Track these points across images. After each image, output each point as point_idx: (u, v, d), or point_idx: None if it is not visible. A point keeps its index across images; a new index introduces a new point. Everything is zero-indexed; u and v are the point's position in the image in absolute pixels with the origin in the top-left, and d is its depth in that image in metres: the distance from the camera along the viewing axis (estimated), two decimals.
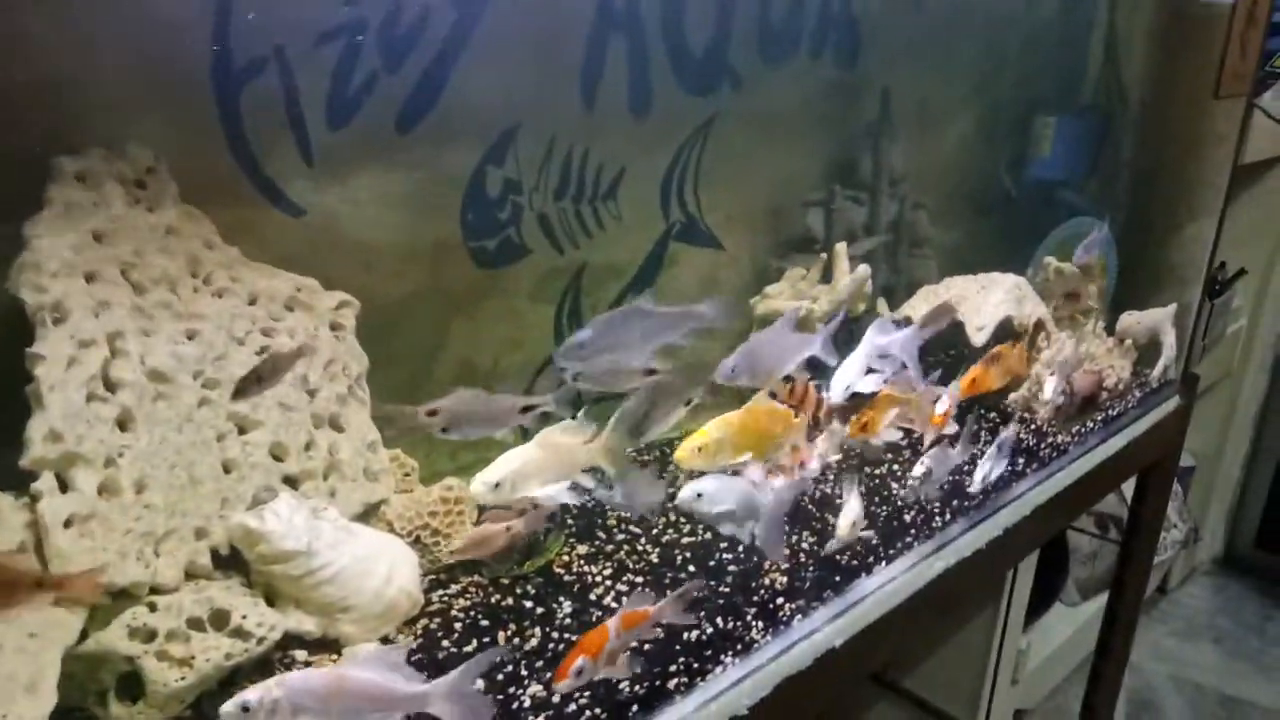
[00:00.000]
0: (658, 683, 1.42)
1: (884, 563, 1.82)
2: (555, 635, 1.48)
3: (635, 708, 1.39)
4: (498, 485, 1.47)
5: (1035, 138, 2.90)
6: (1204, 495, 4.80)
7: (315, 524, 1.42)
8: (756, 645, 1.57)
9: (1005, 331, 2.22)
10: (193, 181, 1.48)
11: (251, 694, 1.06)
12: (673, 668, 1.45)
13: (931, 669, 3.52)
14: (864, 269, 2.12)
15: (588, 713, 1.34)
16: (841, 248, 2.14)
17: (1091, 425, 2.41)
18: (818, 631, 1.65)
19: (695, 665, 1.48)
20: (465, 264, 1.81)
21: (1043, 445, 2.28)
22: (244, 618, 1.34)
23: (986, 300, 2.25)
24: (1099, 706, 3.16)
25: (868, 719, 3.55)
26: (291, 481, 1.49)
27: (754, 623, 1.60)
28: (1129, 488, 2.97)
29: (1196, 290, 2.93)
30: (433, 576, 1.59)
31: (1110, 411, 2.50)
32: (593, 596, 1.58)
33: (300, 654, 1.41)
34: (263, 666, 1.39)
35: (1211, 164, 2.94)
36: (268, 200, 1.58)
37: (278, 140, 1.56)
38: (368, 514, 1.57)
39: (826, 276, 2.17)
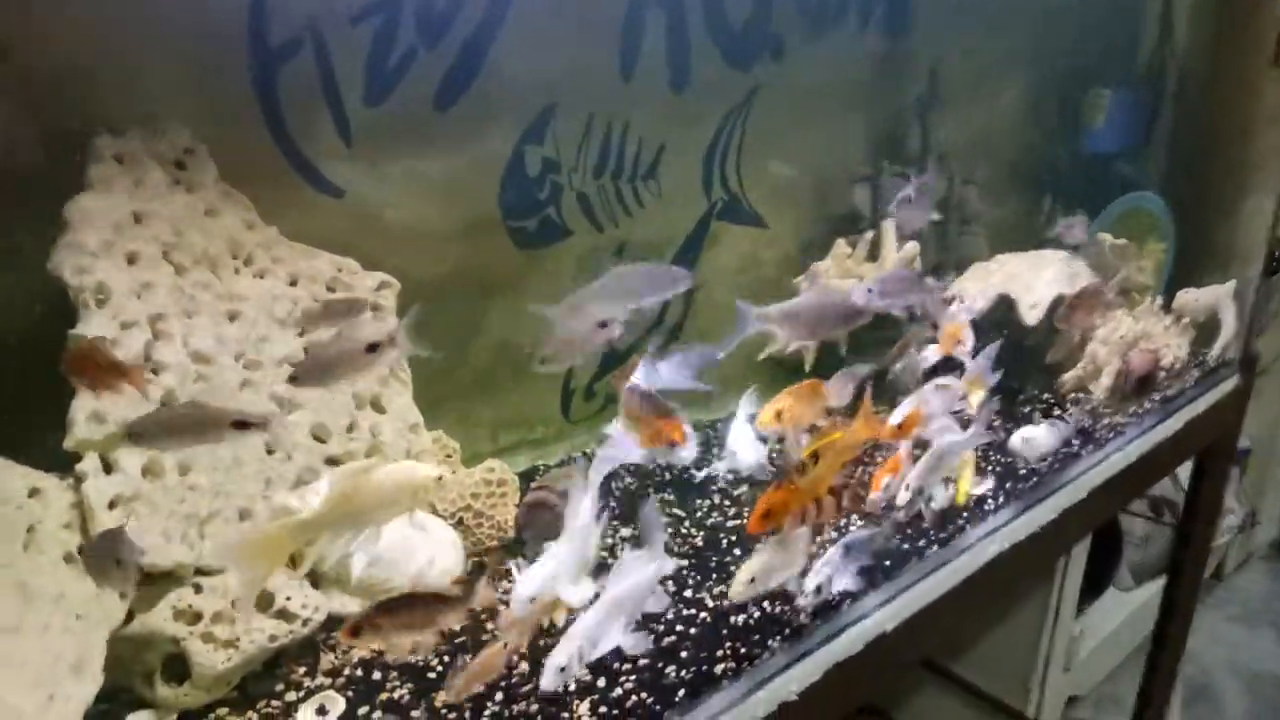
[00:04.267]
0: (705, 668, 1.39)
1: (936, 546, 1.78)
2: None
3: (682, 693, 1.36)
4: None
5: (1088, 110, 2.81)
6: (1260, 479, 4.66)
7: None
8: (805, 630, 1.53)
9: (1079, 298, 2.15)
10: (231, 163, 1.46)
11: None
12: (720, 652, 1.42)
13: (982, 654, 3.45)
14: (912, 246, 2.07)
15: (634, 698, 1.31)
16: (889, 224, 2.09)
17: (1148, 406, 2.33)
18: (868, 616, 1.60)
19: (743, 650, 1.45)
20: (505, 244, 1.79)
21: (1098, 426, 2.21)
22: (288, 599, 1.33)
23: (1039, 277, 2.18)
24: (1155, 695, 3.07)
25: (917, 704, 3.50)
26: (334, 463, 1.48)
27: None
28: (1185, 470, 2.89)
29: (1257, 267, 2.82)
30: (475, 559, 1.57)
31: (1167, 392, 2.42)
32: None
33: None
34: (309, 647, 1.38)
35: (1271, 135, 2.84)
36: (306, 181, 1.56)
37: (315, 119, 1.54)
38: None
39: (874, 254, 2.12)
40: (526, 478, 1.75)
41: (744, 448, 1.69)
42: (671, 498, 1.82)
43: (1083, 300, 1.96)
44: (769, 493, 1.36)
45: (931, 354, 1.85)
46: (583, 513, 1.31)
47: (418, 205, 1.67)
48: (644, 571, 1.28)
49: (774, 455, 1.78)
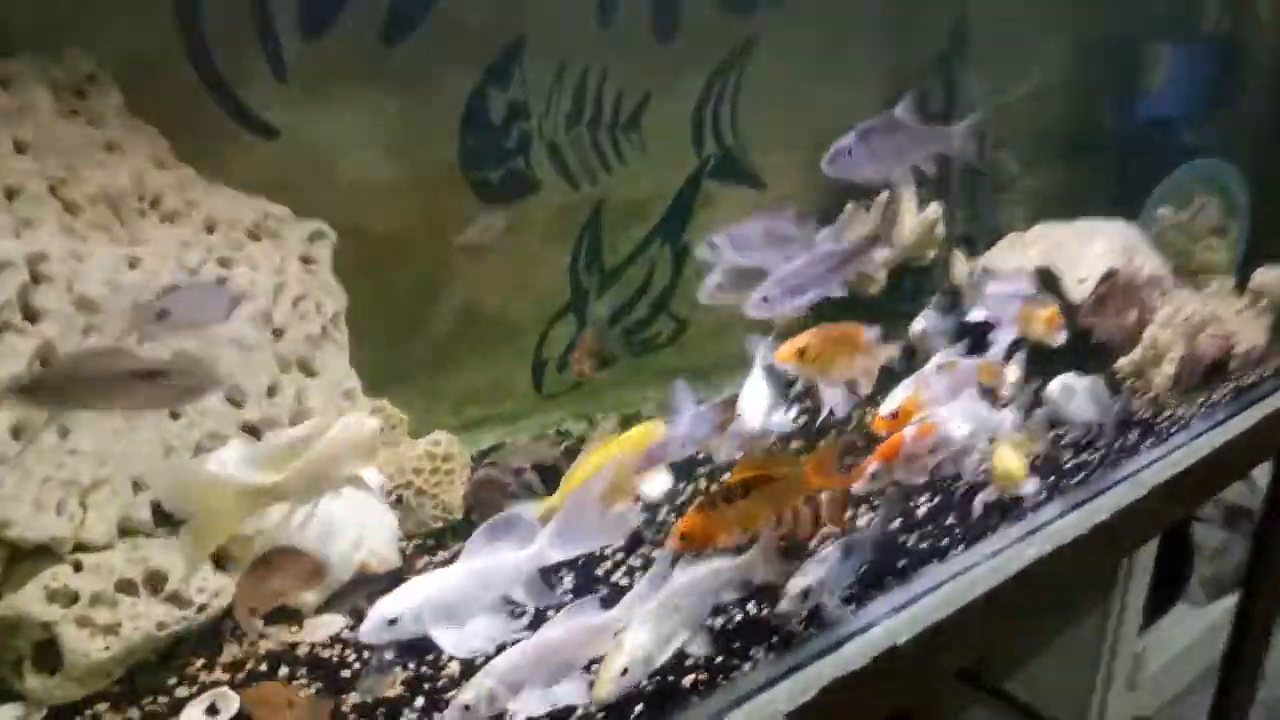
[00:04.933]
0: (670, 678, 1.18)
1: (961, 546, 1.54)
2: None
3: (640, 707, 1.15)
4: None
5: (1144, 68, 2.50)
6: None
7: None
8: (797, 639, 1.31)
9: (1111, 286, 1.90)
10: (145, 94, 1.30)
11: (466, 694, 0.99)
12: (688, 662, 1.21)
13: (1036, 670, 3.19)
14: (934, 209, 1.82)
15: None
16: (907, 186, 1.84)
17: (1220, 397, 2.06)
18: (875, 625, 1.37)
19: (719, 660, 1.23)
20: (465, 197, 1.60)
21: (1160, 418, 1.95)
22: (183, 581, 1.16)
23: (1088, 249, 1.93)
24: None
25: None
26: (252, 431, 1.31)
27: None
28: (1263, 474, 2.59)
29: None
30: (417, 540, 1.39)
31: (1242, 381, 2.14)
32: None
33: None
34: (212, 638, 1.21)
35: None
36: (234, 119, 1.40)
37: (246, 50, 1.38)
38: None
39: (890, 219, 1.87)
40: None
41: (752, 408, 1.45)
42: None
43: (1113, 294, 1.70)
44: (690, 513, 1.16)
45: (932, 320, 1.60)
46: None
47: (364, 151, 1.49)
48: (588, 620, 1.08)
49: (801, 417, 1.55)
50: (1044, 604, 1.72)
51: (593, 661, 1.09)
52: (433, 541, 1.42)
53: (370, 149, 1.48)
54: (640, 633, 1.09)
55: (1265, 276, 2.24)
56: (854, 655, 1.33)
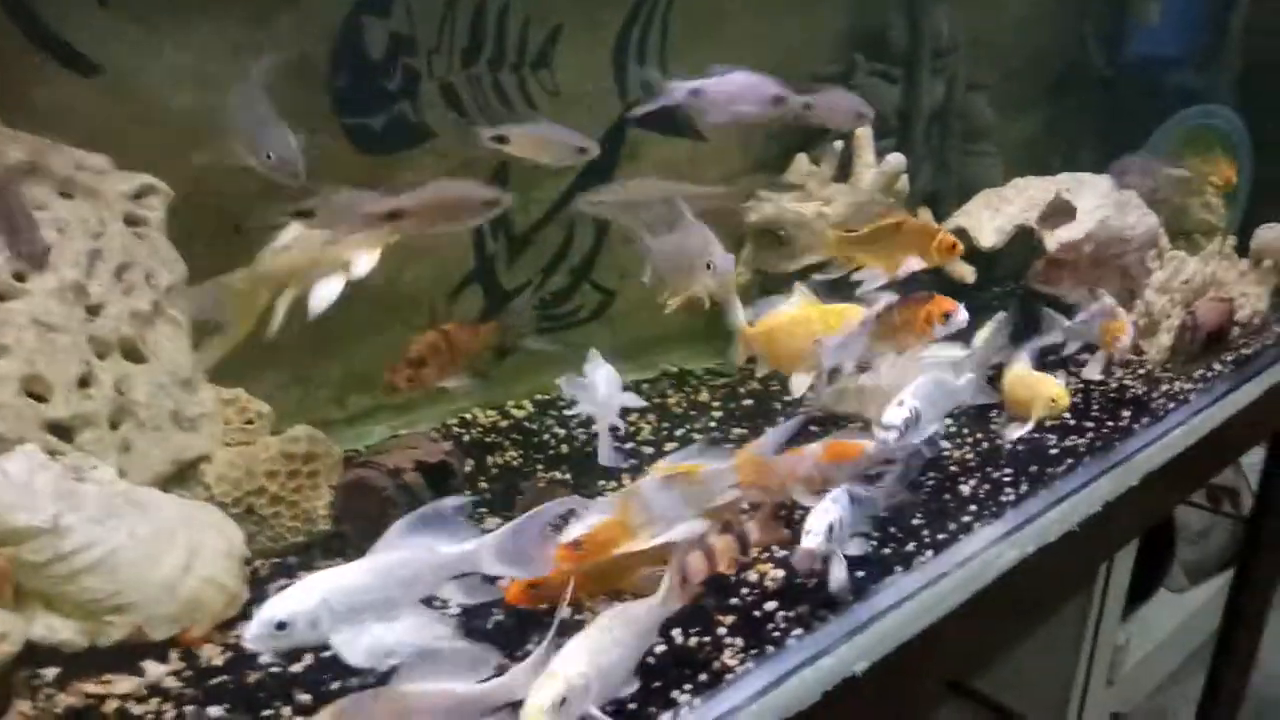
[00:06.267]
0: None
1: (930, 552, 1.31)
2: None
3: None
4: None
5: (1138, 2, 2.26)
6: None
7: (72, 489, 1.01)
8: (730, 676, 1.08)
9: (1100, 243, 1.67)
10: None
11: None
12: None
13: (1011, 667, 3.01)
14: (896, 159, 1.58)
15: None
16: (865, 133, 1.60)
17: (1219, 368, 1.85)
18: (826, 654, 1.14)
19: (633, 704, 1.00)
20: (340, 147, 1.35)
21: (1154, 394, 1.73)
22: None
23: (1076, 205, 1.70)
24: (1217, 716, 2.60)
25: None
26: (60, 431, 1.05)
27: (729, 640, 1.11)
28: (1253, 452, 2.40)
29: None
30: (277, 560, 1.15)
31: (1243, 352, 1.94)
32: None
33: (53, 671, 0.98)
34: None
35: None
36: (44, 52, 1.15)
37: None
38: (181, 475, 1.13)
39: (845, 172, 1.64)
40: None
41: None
42: None
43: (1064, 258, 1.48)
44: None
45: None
46: None
47: (210, 92, 1.23)
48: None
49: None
50: (1026, 611, 1.50)
51: None
52: (294, 559, 1.17)
53: (216, 90, 1.21)
54: (579, 654, 0.89)
55: (1268, 235, 2.04)
56: (802, 690, 1.10)
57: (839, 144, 1.63)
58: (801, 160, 1.64)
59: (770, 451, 1.21)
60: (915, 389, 1.31)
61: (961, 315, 1.36)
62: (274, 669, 1.02)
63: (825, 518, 1.12)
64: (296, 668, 1.02)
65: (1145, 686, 3.42)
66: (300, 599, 0.87)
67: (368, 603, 0.89)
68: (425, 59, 1.38)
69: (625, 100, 1.58)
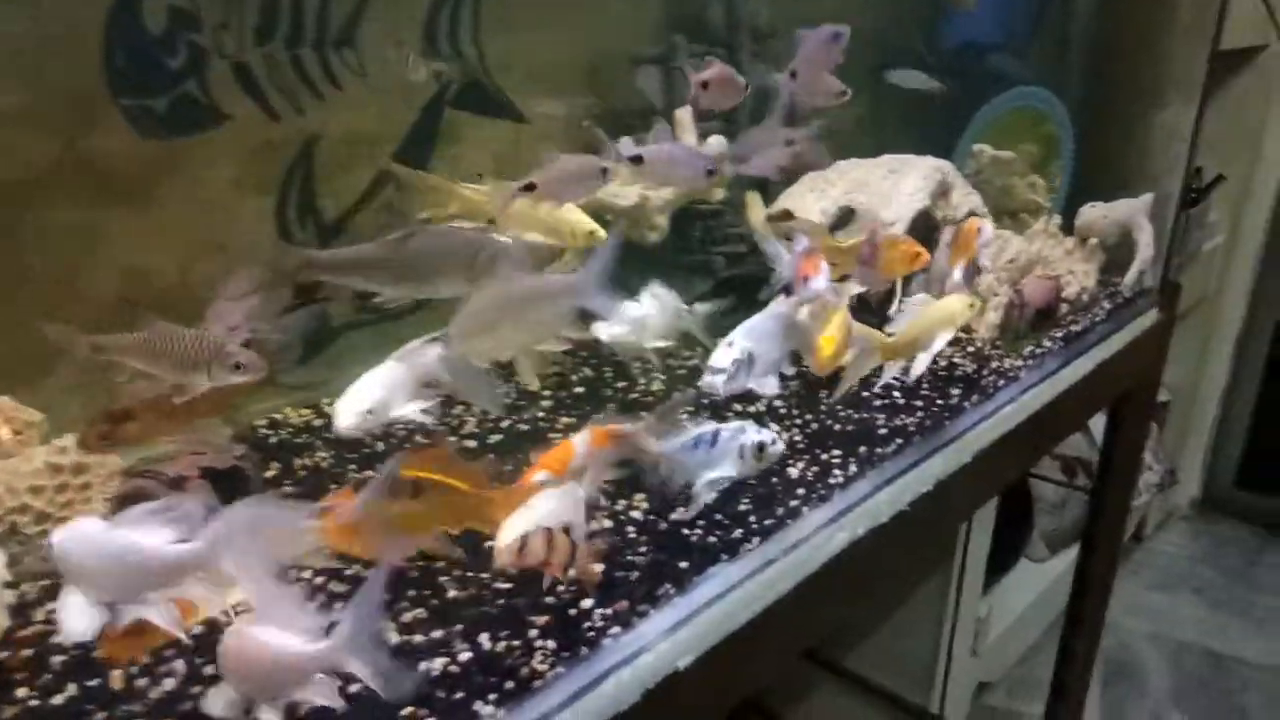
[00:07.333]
0: None
1: (757, 539, 1.28)
2: None
3: None
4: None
5: None
6: (1180, 433, 4.34)
7: None
8: (541, 681, 1.03)
9: (923, 228, 1.68)
10: None
11: None
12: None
13: (877, 644, 3.05)
14: (717, 141, 1.55)
15: None
16: (685, 114, 1.57)
17: (1049, 345, 1.88)
18: (646, 651, 1.10)
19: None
20: (119, 131, 1.24)
21: (984, 372, 1.75)
22: None
23: (898, 189, 1.71)
24: (1071, 683, 2.69)
25: (809, 704, 3.08)
26: None
27: (541, 643, 1.06)
28: (1098, 425, 2.47)
29: (1175, 182, 2.40)
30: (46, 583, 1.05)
31: (1072, 328, 1.98)
32: None
33: None
34: None
35: (1183, 36, 2.41)
36: None
37: None
38: None
39: None
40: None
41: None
42: None
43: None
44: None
45: None
46: None
47: None
48: None
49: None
50: (861, 593, 1.50)
51: None
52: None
53: None
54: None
55: (1092, 214, 2.09)
56: (622, 690, 1.06)
57: (659, 127, 1.59)
58: (625, 142, 1.60)
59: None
60: (747, 328, 1.25)
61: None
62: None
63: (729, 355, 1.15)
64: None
65: (1011, 656, 3.51)
66: None
67: None
68: (213, 36, 1.28)
69: (439, 81, 1.50)
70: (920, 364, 1.48)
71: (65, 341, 1.04)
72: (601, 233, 1.38)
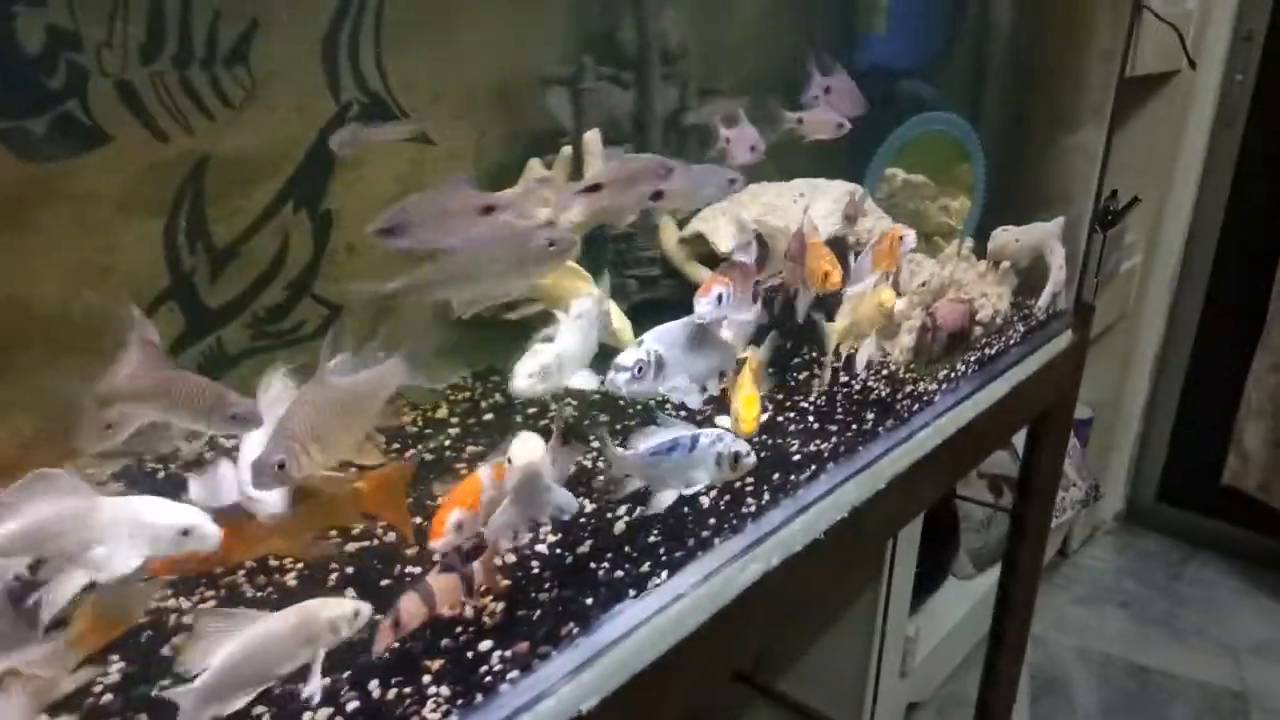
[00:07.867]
0: None
1: (664, 573, 1.26)
2: None
3: None
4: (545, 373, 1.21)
5: (865, 9, 2.30)
6: (1103, 449, 4.42)
7: None
8: None
9: (836, 251, 1.67)
10: None
11: None
12: None
13: (807, 666, 3.05)
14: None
15: None
16: (594, 137, 1.55)
17: (963, 368, 1.89)
18: (549, 696, 1.07)
19: None
20: None
21: (899, 396, 1.75)
22: None
23: (810, 212, 1.69)
24: (995, 702, 2.70)
25: None
26: None
27: (434, 688, 1.02)
28: (1021, 443, 2.49)
29: (1086, 205, 2.44)
30: None
31: (987, 351, 1.99)
32: None
33: None
34: None
35: (1096, 61, 2.46)
36: None
37: None
38: None
39: (578, 175, 1.57)
40: None
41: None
42: None
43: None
44: None
45: None
46: None
47: None
48: None
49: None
50: (778, 623, 1.48)
51: None
52: None
53: None
54: None
55: (1004, 238, 2.11)
56: None
57: (568, 150, 1.57)
58: (534, 165, 1.57)
59: None
60: (659, 332, 1.21)
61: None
62: None
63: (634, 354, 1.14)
64: None
65: (939, 675, 3.51)
66: None
67: None
68: (95, 54, 1.22)
69: (338, 101, 1.46)
70: (863, 355, 1.53)
71: None
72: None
